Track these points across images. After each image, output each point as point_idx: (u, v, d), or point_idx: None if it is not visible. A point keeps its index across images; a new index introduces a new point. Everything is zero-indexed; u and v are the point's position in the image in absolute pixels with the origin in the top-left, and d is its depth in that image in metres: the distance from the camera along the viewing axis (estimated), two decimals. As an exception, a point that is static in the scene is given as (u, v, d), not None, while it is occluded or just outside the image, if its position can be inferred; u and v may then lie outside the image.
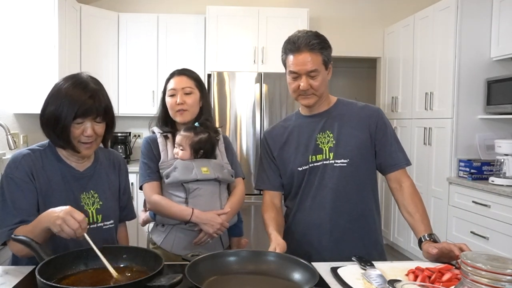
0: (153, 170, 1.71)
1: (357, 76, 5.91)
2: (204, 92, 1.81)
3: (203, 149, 1.71)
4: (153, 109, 3.46)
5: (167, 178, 1.66)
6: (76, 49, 3.85)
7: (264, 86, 3.93)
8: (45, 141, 1.40)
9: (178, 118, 1.75)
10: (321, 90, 1.55)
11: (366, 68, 5.75)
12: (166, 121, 1.80)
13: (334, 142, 1.57)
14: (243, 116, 3.96)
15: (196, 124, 1.75)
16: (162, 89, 1.83)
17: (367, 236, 1.60)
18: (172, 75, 1.80)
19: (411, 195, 1.54)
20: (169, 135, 1.76)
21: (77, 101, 1.28)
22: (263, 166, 1.71)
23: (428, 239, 1.41)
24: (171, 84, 1.76)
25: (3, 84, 3.18)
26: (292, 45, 1.52)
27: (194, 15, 4.34)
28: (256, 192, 3.95)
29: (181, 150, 1.70)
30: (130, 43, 4.28)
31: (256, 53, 4.14)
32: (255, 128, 3.94)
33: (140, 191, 1.76)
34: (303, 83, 1.52)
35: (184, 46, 4.30)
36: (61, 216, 1.12)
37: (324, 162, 1.57)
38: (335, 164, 1.56)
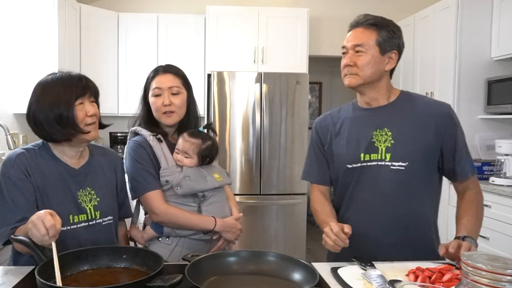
0: (156, 177, 1.56)
1: (357, 76, 5.90)
2: (190, 90, 1.68)
3: (209, 156, 1.63)
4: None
5: (177, 188, 1.53)
6: (76, 49, 3.85)
7: (264, 86, 3.92)
8: (39, 141, 1.40)
9: (164, 120, 1.62)
10: (366, 71, 1.40)
11: (366, 68, 5.74)
12: (151, 121, 1.66)
13: (392, 141, 1.41)
14: (243, 116, 3.95)
15: (201, 128, 1.66)
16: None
17: (420, 246, 1.44)
18: (156, 73, 1.65)
19: (469, 202, 1.43)
20: (161, 137, 1.63)
21: (71, 84, 1.32)
22: (311, 158, 1.59)
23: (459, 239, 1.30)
24: (156, 83, 1.62)
25: (3, 84, 3.18)
26: (352, 23, 1.47)
27: (194, 15, 4.34)
28: (257, 192, 3.97)
29: (186, 157, 1.59)
30: (130, 43, 4.28)
31: (256, 53, 4.14)
32: (255, 128, 3.93)
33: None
34: (347, 58, 1.42)
35: (184, 46, 4.30)
36: (32, 219, 1.09)
37: (379, 163, 1.42)
38: (391, 167, 1.41)
